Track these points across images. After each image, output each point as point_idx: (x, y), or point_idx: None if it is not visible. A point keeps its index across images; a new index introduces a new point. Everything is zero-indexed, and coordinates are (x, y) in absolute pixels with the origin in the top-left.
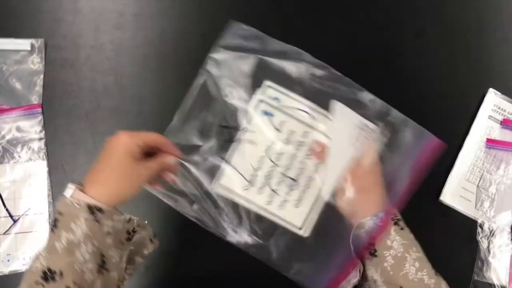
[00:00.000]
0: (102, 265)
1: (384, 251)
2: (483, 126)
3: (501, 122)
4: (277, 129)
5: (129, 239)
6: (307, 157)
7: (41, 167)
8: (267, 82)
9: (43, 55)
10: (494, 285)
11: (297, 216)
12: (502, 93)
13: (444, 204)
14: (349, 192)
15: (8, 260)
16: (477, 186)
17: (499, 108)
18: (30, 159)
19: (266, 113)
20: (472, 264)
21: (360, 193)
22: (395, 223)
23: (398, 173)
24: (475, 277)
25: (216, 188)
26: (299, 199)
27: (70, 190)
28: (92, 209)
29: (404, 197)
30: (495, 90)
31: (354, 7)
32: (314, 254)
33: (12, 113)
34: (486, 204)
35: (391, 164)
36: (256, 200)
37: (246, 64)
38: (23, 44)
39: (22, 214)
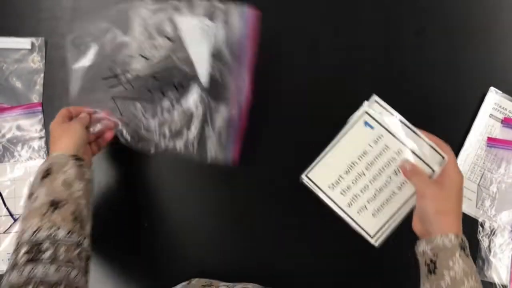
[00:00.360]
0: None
1: (444, 270)
2: (484, 124)
3: (502, 120)
4: (375, 141)
5: None
6: (395, 173)
7: None
8: (375, 97)
9: (44, 54)
10: (495, 284)
11: (372, 225)
12: (503, 91)
13: None
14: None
15: (9, 259)
16: (478, 185)
17: (500, 106)
18: (31, 158)
19: (368, 125)
20: (473, 263)
21: (437, 215)
22: (462, 248)
23: (240, 57)
24: None
25: (305, 179)
26: (378, 210)
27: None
28: (76, 157)
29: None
30: (496, 89)
31: (355, 5)
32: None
33: (13, 112)
34: (487, 203)
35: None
36: (338, 200)
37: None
38: (24, 43)
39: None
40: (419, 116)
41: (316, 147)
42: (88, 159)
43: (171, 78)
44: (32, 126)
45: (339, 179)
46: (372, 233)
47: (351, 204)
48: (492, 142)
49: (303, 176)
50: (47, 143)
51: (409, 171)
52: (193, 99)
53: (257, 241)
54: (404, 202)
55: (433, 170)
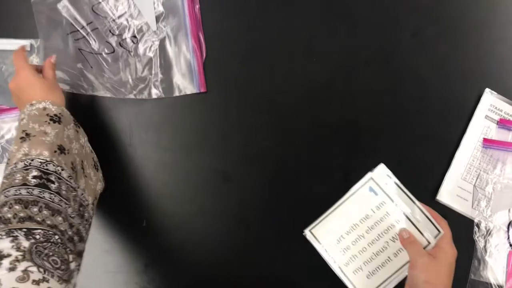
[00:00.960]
0: (82, 167)
1: None
2: (479, 125)
3: (497, 122)
4: (377, 207)
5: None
6: (393, 240)
7: None
8: (382, 166)
9: (43, 56)
10: (491, 284)
11: (365, 286)
12: (499, 92)
13: (441, 204)
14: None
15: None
16: (474, 185)
17: (496, 108)
18: None
19: (372, 190)
20: (469, 263)
21: (426, 285)
22: None
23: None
24: (472, 277)
25: (308, 234)
26: (373, 273)
27: (49, 104)
28: (75, 122)
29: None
30: (491, 90)
31: (351, 7)
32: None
33: (12, 113)
34: (483, 203)
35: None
36: (337, 258)
37: None
38: (23, 44)
39: None
40: (415, 117)
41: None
42: None
43: (124, 31)
44: None
45: (340, 239)
46: None
47: (348, 264)
48: (488, 143)
49: (307, 231)
50: None
51: (405, 240)
52: (148, 45)
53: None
54: (398, 269)
55: (429, 242)
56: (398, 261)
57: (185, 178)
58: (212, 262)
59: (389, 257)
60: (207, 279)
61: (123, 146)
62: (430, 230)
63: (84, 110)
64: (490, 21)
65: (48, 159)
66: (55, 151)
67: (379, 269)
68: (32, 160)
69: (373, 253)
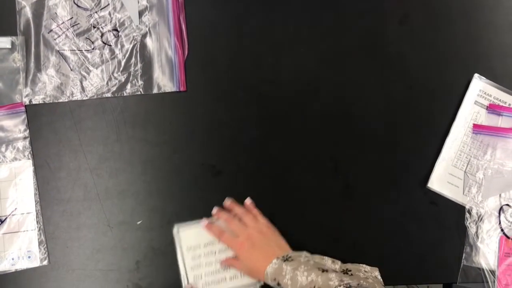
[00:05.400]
0: None
1: (284, 280)
2: (469, 111)
3: (487, 107)
4: None
5: None
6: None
7: (26, 166)
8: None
9: (25, 53)
10: (483, 269)
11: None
12: (488, 78)
13: (432, 191)
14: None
15: None
16: (465, 171)
17: (485, 93)
18: (15, 159)
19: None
20: (461, 249)
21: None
22: (285, 260)
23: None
24: (464, 263)
25: (175, 229)
26: (208, 284)
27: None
28: None
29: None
30: (480, 75)
31: None
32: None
33: None
34: (474, 189)
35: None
36: (187, 260)
37: None
38: (4, 42)
39: (9, 214)
40: (404, 104)
41: None
42: None
43: (106, 25)
44: (15, 126)
45: (197, 247)
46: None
47: (194, 269)
48: (477, 128)
49: (175, 227)
50: (31, 143)
51: (227, 263)
52: (129, 39)
53: None
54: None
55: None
56: (232, 283)
57: (174, 173)
58: None
59: (225, 277)
60: None
61: (110, 142)
62: None
63: (67, 107)
64: (478, 6)
65: None
66: None
67: (214, 283)
68: None
69: (217, 269)
